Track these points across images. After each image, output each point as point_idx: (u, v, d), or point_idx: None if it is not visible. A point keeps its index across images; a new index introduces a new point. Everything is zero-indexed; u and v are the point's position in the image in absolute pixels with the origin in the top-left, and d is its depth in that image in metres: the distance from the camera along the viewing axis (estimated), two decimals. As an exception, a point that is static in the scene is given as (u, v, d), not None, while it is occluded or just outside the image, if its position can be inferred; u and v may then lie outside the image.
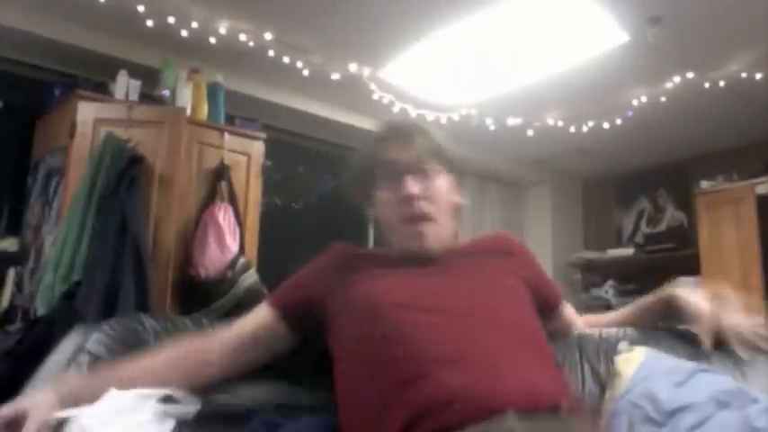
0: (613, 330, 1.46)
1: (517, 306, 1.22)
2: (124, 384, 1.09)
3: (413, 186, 1.22)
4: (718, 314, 1.37)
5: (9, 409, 1.06)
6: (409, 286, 1.18)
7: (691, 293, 1.40)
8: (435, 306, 1.14)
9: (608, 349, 1.40)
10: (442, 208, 1.27)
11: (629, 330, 1.46)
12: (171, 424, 1.07)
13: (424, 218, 1.23)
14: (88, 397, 1.08)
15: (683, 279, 4.68)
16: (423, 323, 1.10)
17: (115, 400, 1.05)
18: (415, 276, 1.20)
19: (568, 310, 1.46)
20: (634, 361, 1.29)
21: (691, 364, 1.27)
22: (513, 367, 1.06)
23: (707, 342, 1.35)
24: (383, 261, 1.26)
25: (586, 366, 1.39)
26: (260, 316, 1.29)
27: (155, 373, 1.16)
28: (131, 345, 1.23)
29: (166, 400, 1.12)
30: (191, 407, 1.13)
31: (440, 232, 1.26)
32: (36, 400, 1.09)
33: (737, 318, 1.38)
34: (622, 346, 1.37)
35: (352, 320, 1.18)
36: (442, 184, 1.28)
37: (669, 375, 1.22)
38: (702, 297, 1.40)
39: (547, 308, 1.36)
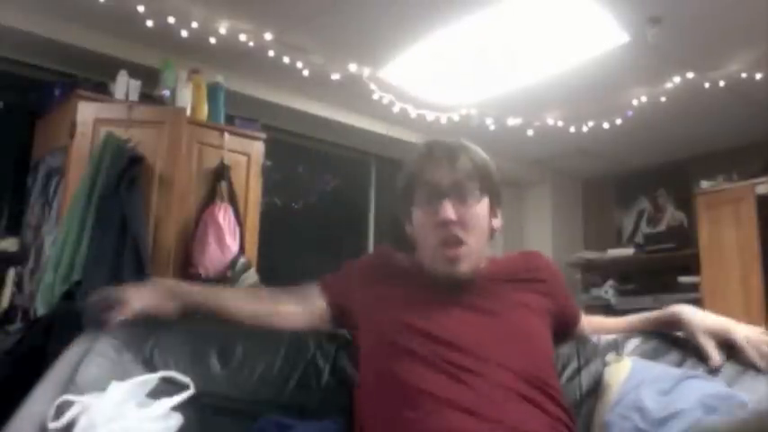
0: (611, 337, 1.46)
1: (531, 348, 1.25)
2: (210, 301, 1.31)
3: (450, 211, 1.24)
4: (725, 327, 1.35)
5: (110, 293, 1.23)
6: (429, 314, 1.22)
7: (696, 312, 1.40)
8: (447, 338, 1.18)
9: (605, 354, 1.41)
10: (478, 234, 1.28)
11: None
12: (178, 419, 1.08)
13: (458, 243, 1.25)
14: (187, 295, 1.30)
15: (683, 279, 4.70)
16: (429, 354, 1.16)
17: (120, 393, 1.06)
18: (438, 304, 1.24)
19: (583, 325, 1.47)
20: (622, 371, 1.29)
21: (678, 371, 1.27)
22: (504, 414, 1.10)
23: (716, 356, 1.31)
24: (414, 279, 1.30)
25: (584, 374, 1.39)
26: (313, 294, 1.38)
27: (234, 300, 1.34)
28: (139, 347, 1.24)
29: (165, 381, 1.16)
30: (189, 391, 1.17)
31: (472, 258, 1.27)
32: (140, 289, 1.26)
33: (746, 329, 1.35)
34: (610, 357, 1.37)
35: (372, 332, 1.27)
36: (481, 209, 1.29)
37: (656, 383, 1.22)
38: (707, 315, 1.40)
39: (566, 330, 1.41)
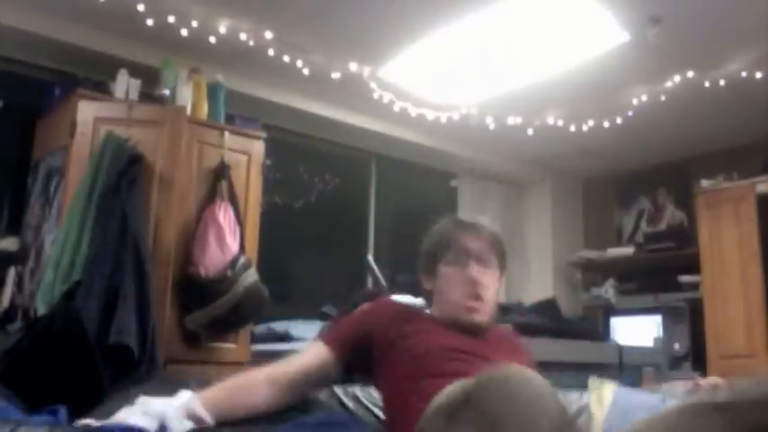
0: None
1: None
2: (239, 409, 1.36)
3: (477, 271, 1.50)
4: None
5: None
6: (454, 341, 1.44)
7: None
8: (468, 359, 1.38)
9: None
10: (491, 295, 1.53)
11: None
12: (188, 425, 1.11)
13: (479, 299, 1.50)
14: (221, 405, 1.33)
15: (683, 279, 4.70)
16: (456, 371, 1.30)
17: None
18: (460, 338, 1.46)
19: None
20: (604, 400, 1.30)
21: (657, 397, 1.28)
22: None
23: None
24: (432, 321, 1.51)
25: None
26: (315, 355, 1.49)
27: (261, 398, 1.39)
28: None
29: None
30: None
31: (486, 312, 1.52)
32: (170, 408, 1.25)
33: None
34: (592, 382, 1.39)
35: (401, 360, 1.42)
36: (495, 276, 1.55)
37: (640, 411, 1.22)
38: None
39: None
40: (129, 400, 1.25)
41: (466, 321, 1.49)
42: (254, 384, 1.40)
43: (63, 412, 1.16)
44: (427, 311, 1.59)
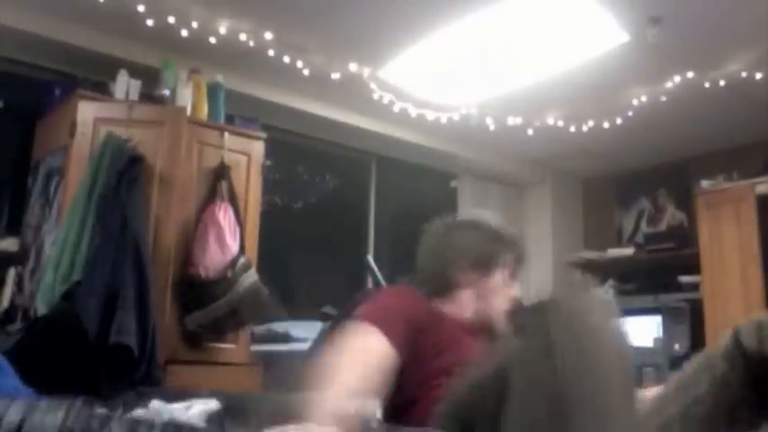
0: None
1: None
2: None
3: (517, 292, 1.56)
4: None
5: None
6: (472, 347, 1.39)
7: None
8: None
9: None
10: None
11: None
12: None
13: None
14: None
15: (683, 279, 4.70)
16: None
17: None
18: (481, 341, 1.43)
19: None
20: None
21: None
22: None
23: None
24: (459, 324, 1.48)
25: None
26: (378, 349, 1.27)
27: None
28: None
29: None
30: None
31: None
32: None
33: None
34: None
35: (436, 351, 1.36)
36: None
37: None
38: None
39: None
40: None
41: (501, 332, 1.45)
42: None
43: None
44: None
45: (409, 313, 1.37)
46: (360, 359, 1.23)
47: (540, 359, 1.03)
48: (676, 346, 4.50)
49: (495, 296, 1.54)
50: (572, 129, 4.43)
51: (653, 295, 4.82)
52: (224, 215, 3.20)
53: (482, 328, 1.48)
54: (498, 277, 1.55)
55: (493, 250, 1.56)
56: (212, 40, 3.41)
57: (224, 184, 3.30)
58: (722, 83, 3.80)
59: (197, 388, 1.41)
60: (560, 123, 4.41)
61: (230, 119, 3.60)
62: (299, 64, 3.69)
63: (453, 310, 1.51)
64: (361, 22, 3.35)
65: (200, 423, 1.23)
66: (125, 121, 3.08)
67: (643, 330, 4.67)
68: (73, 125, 3.07)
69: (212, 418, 1.23)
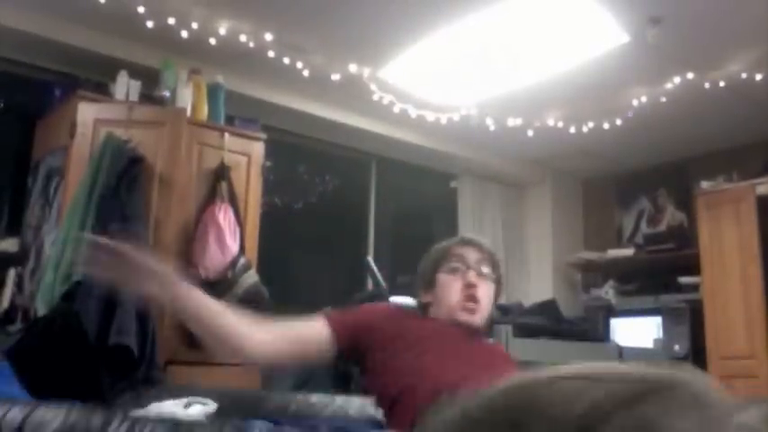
0: None
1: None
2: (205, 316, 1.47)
3: (475, 278, 1.59)
4: None
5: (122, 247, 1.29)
6: (452, 339, 1.52)
7: None
8: (466, 358, 1.45)
9: None
10: (485, 303, 1.61)
11: None
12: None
13: (476, 301, 1.58)
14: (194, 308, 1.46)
15: (683, 280, 4.70)
16: (444, 366, 1.40)
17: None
18: (457, 338, 1.53)
19: None
20: None
21: None
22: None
23: None
24: (431, 323, 1.58)
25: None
26: (315, 327, 1.53)
27: (245, 326, 1.49)
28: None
29: None
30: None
31: (482, 316, 1.60)
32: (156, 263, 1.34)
33: None
34: None
35: (398, 353, 1.47)
36: (490, 288, 1.63)
37: None
38: None
39: None
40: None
41: (464, 322, 1.55)
42: (245, 317, 1.48)
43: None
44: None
45: (363, 314, 1.61)
46: (293, 322, 1.53)
47: None
48: (676, 347, 4.50)
49: (449, 294, 1.59)
50: (572, 129, 4.43)
51: (653, 296, 4.82)
52: (224, 216, 3.20)
53: (451, 325, 1.56)
54: (444, 277, 1.61)
55: (428, 264, 1.66)
56: (212, 40, 3.42)
57: (224, 185, 3.30)
58: (722, 83, 3.80)
59: (197, 388, 1.41)
60: (560, 124, 4.41)
61: (230, 119, 3.60)
62: (299, 65, 3.69)
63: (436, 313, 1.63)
64: (361, 22, 3.35)
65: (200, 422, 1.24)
66: (125, 122, 3.09)
67: (643, 331, 4.67)
68: (73, 126, 3.07)
69: (212, 418, 1.23)
